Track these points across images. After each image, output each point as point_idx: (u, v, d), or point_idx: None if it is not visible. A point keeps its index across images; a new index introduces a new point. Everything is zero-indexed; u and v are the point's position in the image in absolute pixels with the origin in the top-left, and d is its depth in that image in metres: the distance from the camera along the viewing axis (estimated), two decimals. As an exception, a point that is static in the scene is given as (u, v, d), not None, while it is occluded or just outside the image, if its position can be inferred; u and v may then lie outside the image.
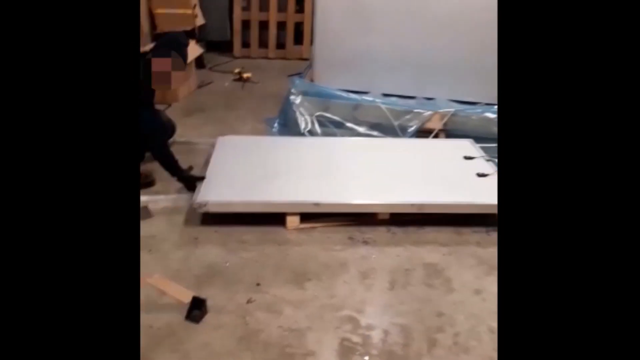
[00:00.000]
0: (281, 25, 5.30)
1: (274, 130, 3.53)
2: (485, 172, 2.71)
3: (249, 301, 1.98)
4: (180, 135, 3.37)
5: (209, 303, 1.93)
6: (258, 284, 2.07)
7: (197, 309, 1.88)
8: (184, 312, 1.87)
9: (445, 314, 1.94)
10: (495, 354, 1.74)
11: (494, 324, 1.86)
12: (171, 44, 2.58)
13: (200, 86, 4.46)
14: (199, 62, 4.75)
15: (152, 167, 2.73)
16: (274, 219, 2.46)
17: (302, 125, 3.36)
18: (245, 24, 5.32)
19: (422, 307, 1.97)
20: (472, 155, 2.93)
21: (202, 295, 1.94)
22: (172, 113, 3.75)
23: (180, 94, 4.12)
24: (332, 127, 3.37)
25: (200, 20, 4.95)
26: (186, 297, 1.94)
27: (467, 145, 3.06)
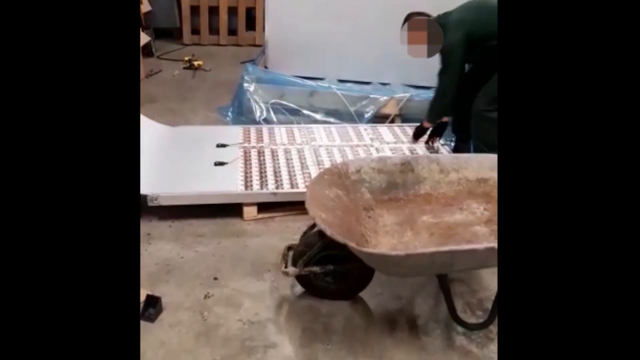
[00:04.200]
0: (232, 11, 5.14)
1: (228, 119, 3.43)
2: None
3: (206, 296, 1.92)
4: (129, 126, 3.22)
5: (164, 300, 1.85)
6: (216, 278, 2.01)
7: (151, 307, 1.80)
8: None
9: (403, 296, 1.95)
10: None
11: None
12: None
13: (148, 75, 4.27)
14: (147, 50, 4.54)
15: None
16: (230, 210, 2.39)
17: (257, 114, 3.28)
18: (195, 10, 5.12)
19: (383, 291, 1.97)
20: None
21: (157, 293, 1.86)
22: (119, 104, 3.59)
23: (128, 83, 3.93)
24: (288, 115, 3.32)
25: (146, 7, 4.72)
26: (140, 296, 1.85)
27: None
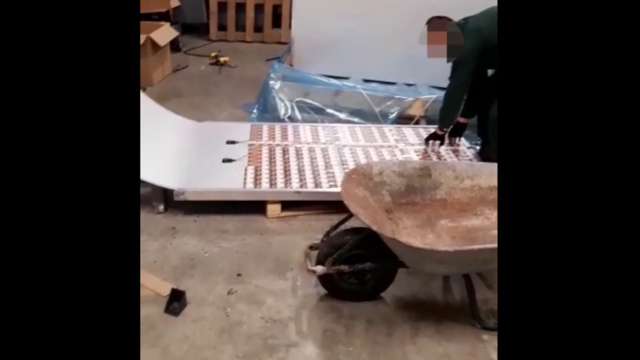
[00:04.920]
0: (259, 8, 5.16)
1: (253, 116, 3.45)
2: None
3: (229, 292, 1.93)
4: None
5: (188, 295, 1.88)
6: (239, 275, 2.03)
7: (176, 302, 1.83)
8: (163, 305, 1.82)
9: (425, 300, 1.94)
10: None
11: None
12: None
13: (175, 70, 4.32)
14: (174, 45, 4.60)
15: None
16: (254, 207, 2.41)
17: (282, 111, 3.30)
18: (222, 6, 5.16)
19: (403, 295, 1.96)
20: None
21: (181, 287, 1.89)
22: (146, 98, 3.65)
23: (155, 77, 3.99)
24: (312, 113, 3.32)
25: (174, 2, 4.78)
26: (164, 290, 1.88)
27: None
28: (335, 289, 1.91)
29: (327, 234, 1.97)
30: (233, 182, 2.43)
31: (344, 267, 1.80)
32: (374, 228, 1.63)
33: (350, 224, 1.94)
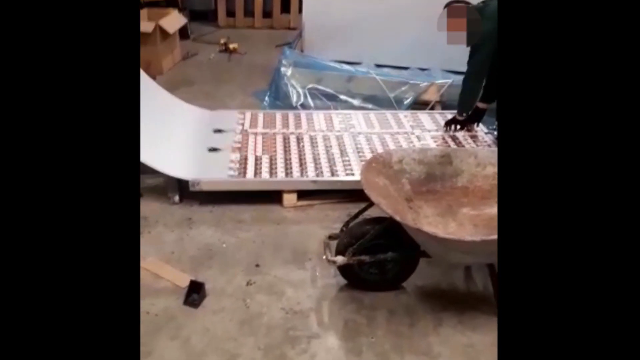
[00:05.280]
0: (267, -7, 5.09)
1: (265, 104, 3.40)
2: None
3: (248, 283, 1.91)
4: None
5: (207, 286, 1.86)
6: (257, 265, 2.01)
7: (195, 293, 1.81)
8: (182, 297, 1.80)
9: (447, 290, 1.91)
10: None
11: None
12: None
13: (185, 58, 4.27)
14: (183, 33, 4.53)
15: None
16: (270, 196, 2.38)
17: (294, 99, 3.25)
18: (230, -8, 5.09)
19: (425, 284, 1.93)
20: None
21: (200, 279, 1.87)
22: (157, 87, 3.61)
23: (165, 66, 3.94)
24: (325, 100, 3.27)
25: (182, -12, 4.71)
26: (183, 281, 1.87)
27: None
28: (356, 279, 1.89)
29: (347, 223, 1.93)
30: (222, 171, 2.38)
31: (365, 258, 1.77)
32: (397, 218, 1.59)
33: (370, 213, 1.91)
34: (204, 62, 4.26)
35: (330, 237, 1.93)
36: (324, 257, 1.83)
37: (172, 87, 3.68)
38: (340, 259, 1.77)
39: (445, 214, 1.95)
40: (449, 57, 3.34)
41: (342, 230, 1.93)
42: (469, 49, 2.61)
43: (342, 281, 1.91)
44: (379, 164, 1.92)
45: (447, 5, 2.53)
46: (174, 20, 4.02)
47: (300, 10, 4.00)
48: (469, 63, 2.62)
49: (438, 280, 1.96)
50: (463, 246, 1.60)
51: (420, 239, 1.66)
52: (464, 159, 2.02)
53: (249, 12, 5.16)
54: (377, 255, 1.78)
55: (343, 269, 1.85)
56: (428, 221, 1.92)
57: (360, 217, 1.93)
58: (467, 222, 1.92)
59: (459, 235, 1.73)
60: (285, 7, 5.15)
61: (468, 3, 2.51)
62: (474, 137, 2.79)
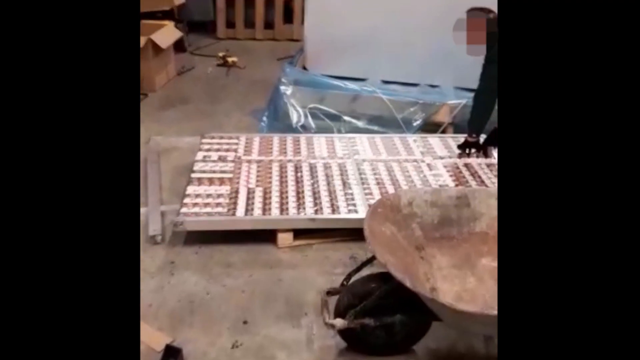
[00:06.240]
0: (269, 3, 4.85)
1: (263, 124, 3.16)
2: None
3: (234, 345, 1.66)
4: (157, 132, 3.01)
5: (187, 349, 1.62)
6: (245, 322, 1.76)
7: (171, 359, 1.56)
8: (156, 364, 1.56)
9: (465, 354, 1.64)
10: None
11: None
12: None
13: (180, 72, 4.05)
14: (179, 45, 4.31)
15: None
16: (262, 234, 2.13)
17: (294, 119, 3.00)
18: (230, 2, 4.86)
19: (439, 347, 1.67)
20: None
21: (179, 339, 1.63)
22: (148, 106, 3.39)
23: (158, 82, 3.72)
24: (327, 121, 3.02)
25: (179, -1, 4.49)
26: (158, 344, 1.62)
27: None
28: (358, 342, 1.63)
29: (348, 276, 1.68)
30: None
31: (369, 321, 1.52)
32: (408, 284, 1.33)
33: (376, 264, 1.65)
34: (200, 77, 4.03)
35: (329, 293, 1.67)
36: (322, 317, 1.57)
37: (166, 105, 3.47)
38: (340, 323, 1.52)
39: (463, 266, 1.69)
40: (462, 74, 3.09)
41: (342, 284, 1.68)
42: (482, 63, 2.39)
43: (343, 343, 1.66)
44: (386, 209, 1.66)
45: (468, 12, 2.34)
46: (168, 34, 3.80)
47: (303, 21, 3.77)
48: (482, 77, 2.38)
49: (454, 342, 1.70)
50: (489, 320, 1.34)
51: (434, 307, 1.40)
52: (483, 200, 1.76)
53: (249, 23, 4.94)
54: (383, 319, 1.52)
55: (343, 332, 1.60)
56: (442, 274, 1.66)
57: (364, 269, 1.68)
58: (488, 276, 1.65)
59: (482, 308, 1.46)
60: (288, 18, 4.92)
61: (490, 11, 2.29)
62: (490, 166, 2.53)
